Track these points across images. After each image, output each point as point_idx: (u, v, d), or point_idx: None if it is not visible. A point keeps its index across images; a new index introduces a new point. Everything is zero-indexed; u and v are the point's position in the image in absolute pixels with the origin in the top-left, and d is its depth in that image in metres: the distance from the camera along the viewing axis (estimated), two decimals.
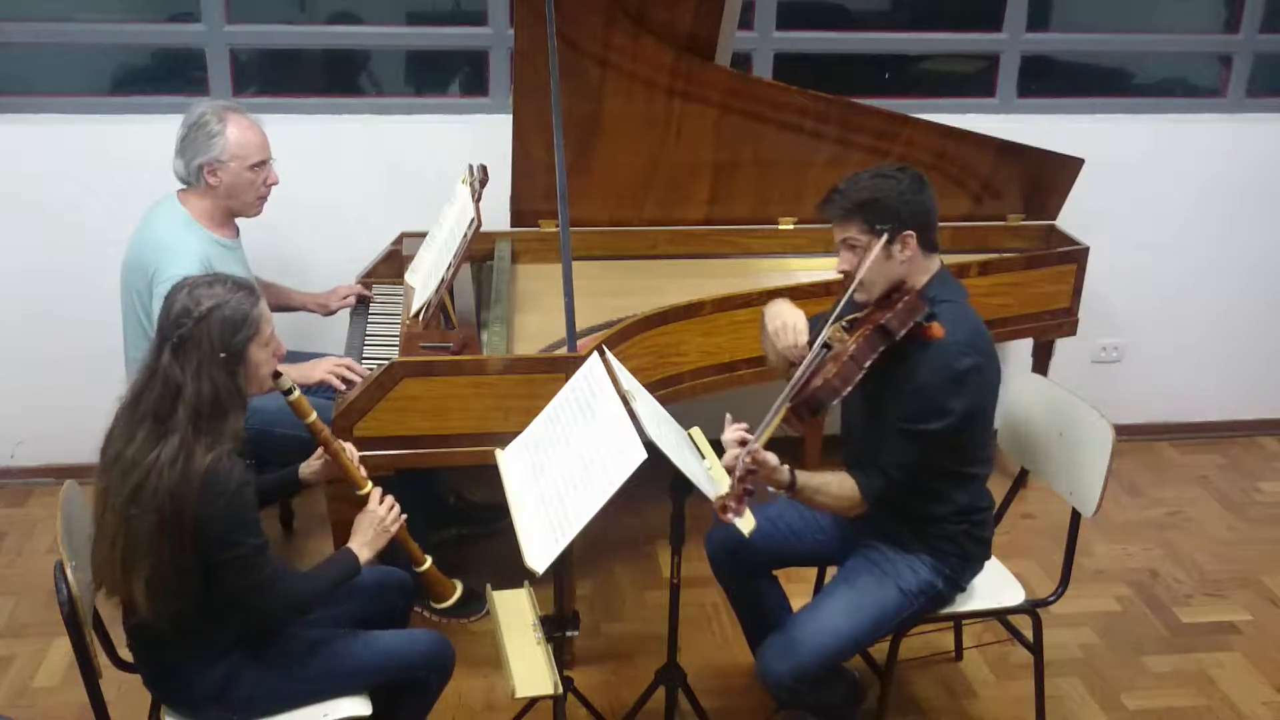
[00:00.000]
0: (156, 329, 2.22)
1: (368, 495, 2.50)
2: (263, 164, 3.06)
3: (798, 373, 2.34)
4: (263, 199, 3.12)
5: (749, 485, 2.26)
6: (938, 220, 2.51)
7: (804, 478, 2.42)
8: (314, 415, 2.45)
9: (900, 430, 2.44)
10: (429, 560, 2.61)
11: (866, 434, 2.55)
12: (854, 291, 2.50)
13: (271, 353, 2.29)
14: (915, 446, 2.45)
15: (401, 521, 2.51)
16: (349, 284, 3.61)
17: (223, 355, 2.16)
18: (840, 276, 2.54)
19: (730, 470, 2.28)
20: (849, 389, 2.32)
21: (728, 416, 2.43)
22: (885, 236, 2.43)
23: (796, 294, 3.29)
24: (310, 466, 2.57)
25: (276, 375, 2.33)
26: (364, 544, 2.44)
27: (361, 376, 3.01)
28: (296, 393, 2.40)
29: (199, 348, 2.15)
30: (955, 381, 2.41)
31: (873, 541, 2.66)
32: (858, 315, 2.48)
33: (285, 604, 2.28)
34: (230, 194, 3.04)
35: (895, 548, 2.62)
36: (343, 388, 3.00)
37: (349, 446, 2.55)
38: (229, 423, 2.17)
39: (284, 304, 3.51)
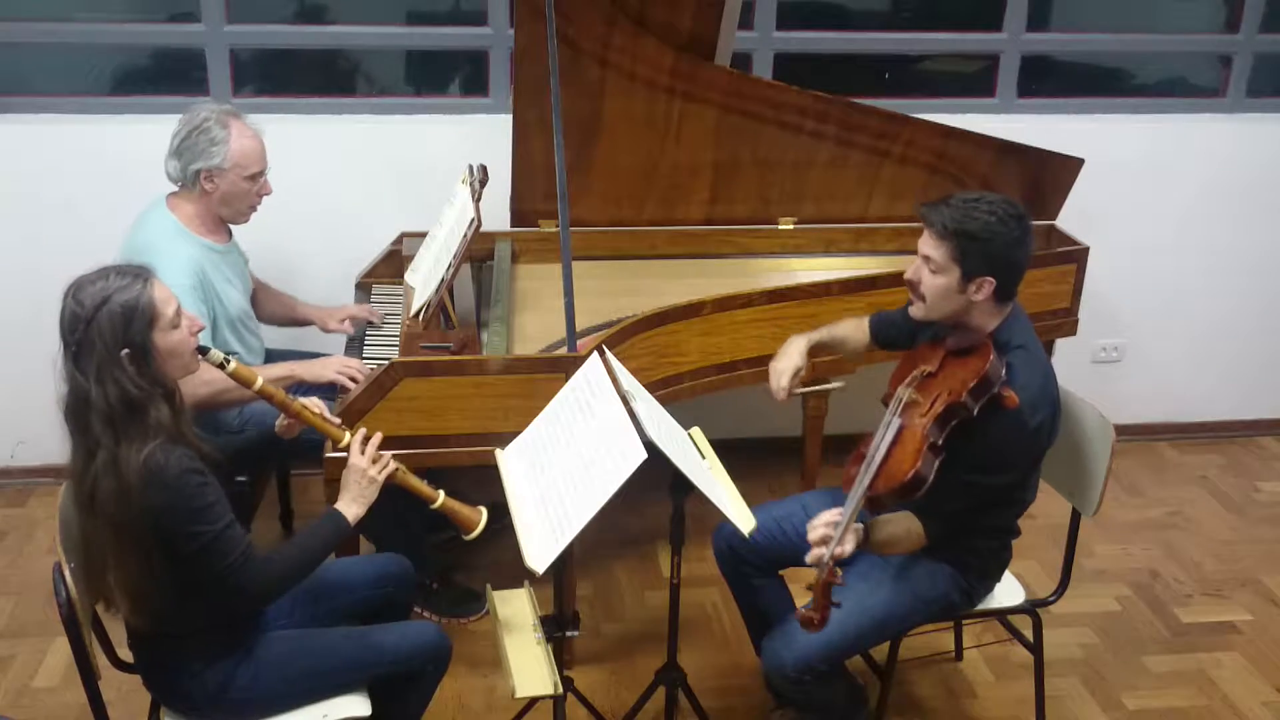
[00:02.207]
0: (60, 336, 2.11)
1: (348, 447, 2.39)
2: (260, 175, 3.04)
3: (871, 448, 2.33)
4: (253, 209, 3.09)
5: (835, 599, 2.26)
6: (1022, 276, 2.48)
7: (874, 534, 2.41)
8: (260, 380, 2.35)
9: (966, 481, 2.42)
10: (442, 494, 2.46)
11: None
12: (911, 306, 2.51)
13: (187, 331, 2.20)
14: (980, 496, 2.45)
15: (392, 467, 2.40)
16: (354, 305, 3.49)
17: (125, 352, 2.07)
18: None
19: (816, 572, 2.27)
20: (933, 476, 2.30)
21: (818, 520, 2.37)
22: (965, 273, 2.41)
23: (796, 294, 3.32)
24: (281, 421, 2.50)
25: (204, 351, 2.25)
26: (351, 500, 2.35)
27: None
28: (233, 363, 2.30)
29: (95, 350, 2.05)
30: (1027, 439, 2.41)
31: None
32: (931, 370, 2.43)
33: (267, 578, 2.20)
34: (224, 202, 3.02)
35: (920, 552, 2.60)
36: (351, 386, 2.98)
37: (314, 401, 2.45)
38: (150, 417, 2.08)
39: (290, 317, 3.47)
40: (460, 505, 2.48)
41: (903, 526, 2.46)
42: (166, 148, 3.01)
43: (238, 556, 2.15)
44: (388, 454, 2.41)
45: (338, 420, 2.48)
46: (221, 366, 2.29)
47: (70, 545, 2.26)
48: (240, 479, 2.91)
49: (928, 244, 2.45)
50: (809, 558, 2.33)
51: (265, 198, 3.11)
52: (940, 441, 2.33)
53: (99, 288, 2.09)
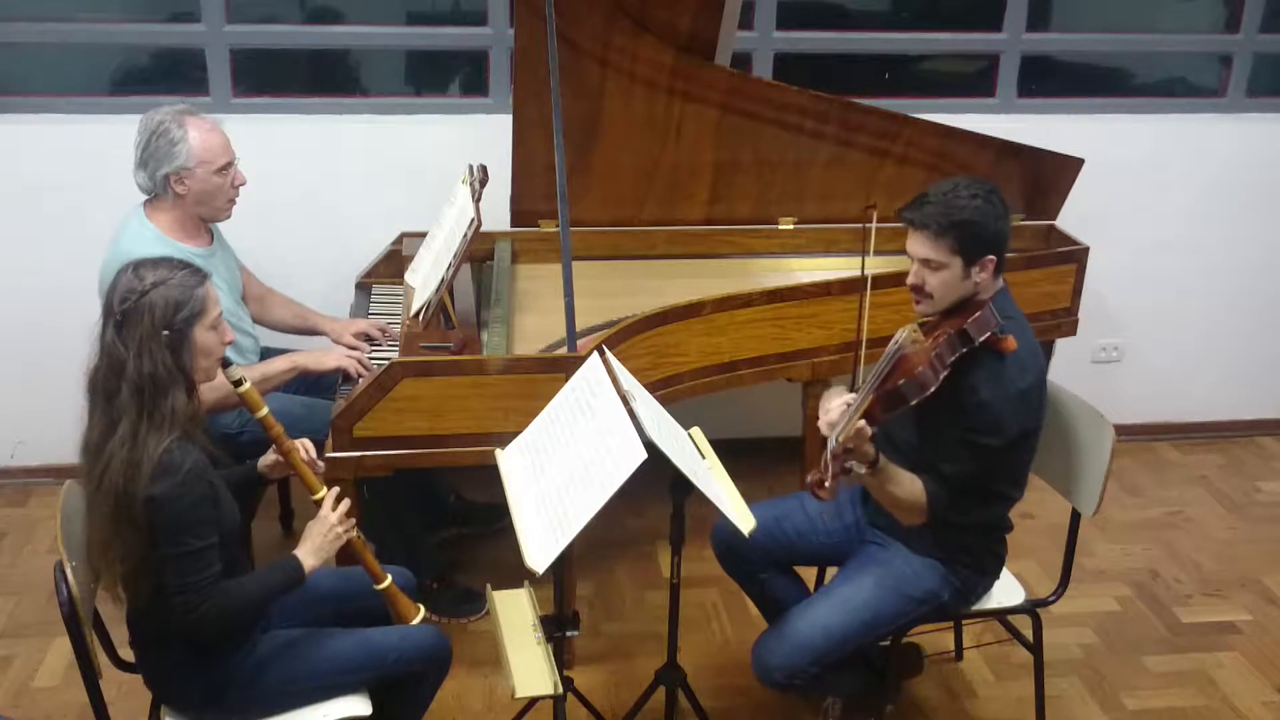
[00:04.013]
0: (103, 308, 2.20)
1: (321, 500, 2.40)
2: (229, 166, 2.99)
3: (876, 368, 2.31)
4: (232, 202, 3.06)
5: (845, 463, 2.25)
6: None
7: (884, 463, 2.38)
8: (266, 410, 2.36)
9: (962, 441, 2.42)
10: (389, 579, 2.45)
11: (922, 445, 2.50)
12: (917, 304, 2.50)
13: (219, 339, 2.27)
14: (975, 460, 2.43)
15: (354, 533, 2.41)
16: (365, 321, 3.40)
17: (166, 333, 2.16)
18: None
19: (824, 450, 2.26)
20: (933, 388, 2.27)
21: (830, 394, 2.37)
22: (968, 261, 2.41)
23: (796, 294, 3.32)
24: (267, 460, 2.50)
25: (226, 364, 2.31)
26: (310, 551, 2.34)
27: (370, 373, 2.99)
28: (247, 384, 2.33)
29: (141, 323, 2.14)
30: (1016, 399, 2.40)
31: (887, 538, 2.64)
32: (929, 320, 2.45)
33: (217, 610, 2.19)
34: (200, 201, 2.98)
35: (910, 548, 2.61)
36: (361, 373, 2.96)
37: (306, 445, 2.46)
38: (168, 401, 2.15)
39: (301, 326, 3.43)
40: (403, 596, 2.48)
41: (909, 475, 2.45)
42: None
43: (201, 579, 2.16)
44: (352, 520, 2.42)
45: (322, 466, 2.49)
46: (236, 385, 2.33)
47: (71, 543, 2.27)
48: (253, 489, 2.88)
49: (922, 245, 2.44)
50: (821, 425, 2.31)
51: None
52: (948, 363, 2.30)
53: (161, 272, 2.20)
